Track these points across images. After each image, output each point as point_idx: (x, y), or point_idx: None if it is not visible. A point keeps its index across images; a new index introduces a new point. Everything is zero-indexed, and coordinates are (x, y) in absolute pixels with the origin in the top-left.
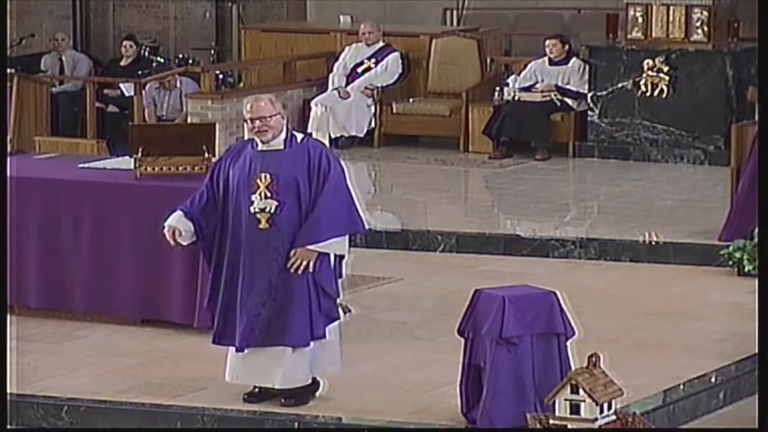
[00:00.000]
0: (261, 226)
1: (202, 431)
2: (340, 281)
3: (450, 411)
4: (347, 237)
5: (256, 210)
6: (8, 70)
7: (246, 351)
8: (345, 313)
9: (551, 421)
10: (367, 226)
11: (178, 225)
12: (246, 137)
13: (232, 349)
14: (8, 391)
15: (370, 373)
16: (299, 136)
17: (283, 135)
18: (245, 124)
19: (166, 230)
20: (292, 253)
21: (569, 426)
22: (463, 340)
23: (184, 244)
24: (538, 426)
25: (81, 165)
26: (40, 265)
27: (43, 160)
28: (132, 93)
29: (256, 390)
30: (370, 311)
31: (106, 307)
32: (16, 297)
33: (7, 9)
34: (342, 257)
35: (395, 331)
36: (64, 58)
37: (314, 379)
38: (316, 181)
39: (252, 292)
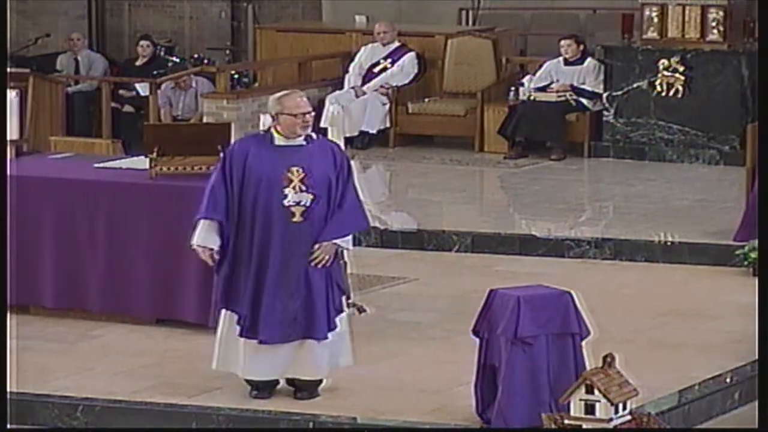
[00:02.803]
0: (295, 219)
1: (217, 431)
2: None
3: (465, 411)
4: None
5: (291, 203)
6: (24, 70)
7: (267, 345)
8: (360, 312)
9: (566, 422)
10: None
11: (209, 244)
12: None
13: (244, 345)
14: (8, 390)
15: (385, 373)
16: (313, 134)
17: (308, 131)
18: (280, 118)
19: (201, 252)
20: (316, 246)
21: (584, 426)
22: (478, 340)
23: (217, 257)
24: (553, 426)
25: (96, 165)
26: (56, 265)
27: (58, 160)
28: (147, 93)
29: (261, 384)
30: (385, 311)
31: (121, 306)
32: (31, 297)
33: (7, 9)
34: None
35: (410, 331)
36: (79, 58)
37: None
38: (342, 177)
39: (282, 286)
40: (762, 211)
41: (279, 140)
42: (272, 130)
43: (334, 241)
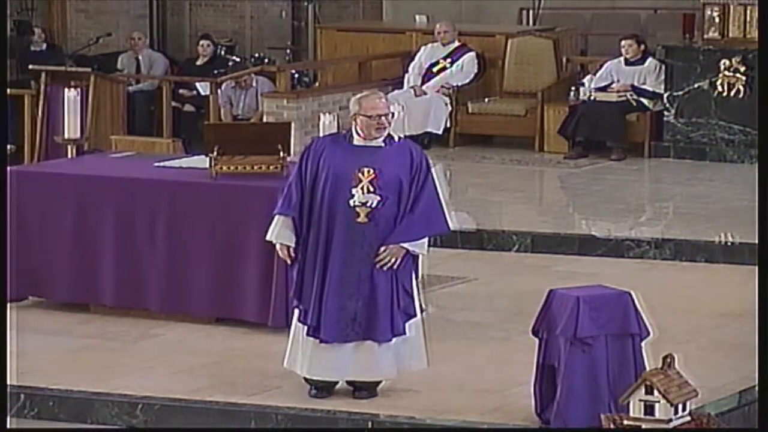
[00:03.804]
0: (360, 219)
1: (276, 431)
2: (418, 280)
3: (524, 411)
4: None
5: (357, 203)
6: (85, 69)
7: (328, 345)
8: (421, 312)
9: (625, 422)
10: (451, 227)
11: (285, 241)
12: (324, 133)
13: (308, 344)
14: (8, 391)
15: (444, 373)
16: (395, 135)
17: (384, 133)
18: (358, 119)
19: (278, 249)
20: (383, 249)
21: (643, 427)
22: (537, 341)
23: (293, 254)
24: (612, 427)
25: (157, 164)
26: (116, 264)
27: (119, 159)
28: (208, 92)
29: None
30: (444, 311)
31: (181, 305)
32: (92, 295)
33: (7, 9)
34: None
35: (469, 331)
36: (140, 58)
37: None
38: (416, 181)
39: (342, 285)
40: (762, 210)
41: (357, 140)
42: (352, 129)
43: (403, 244)
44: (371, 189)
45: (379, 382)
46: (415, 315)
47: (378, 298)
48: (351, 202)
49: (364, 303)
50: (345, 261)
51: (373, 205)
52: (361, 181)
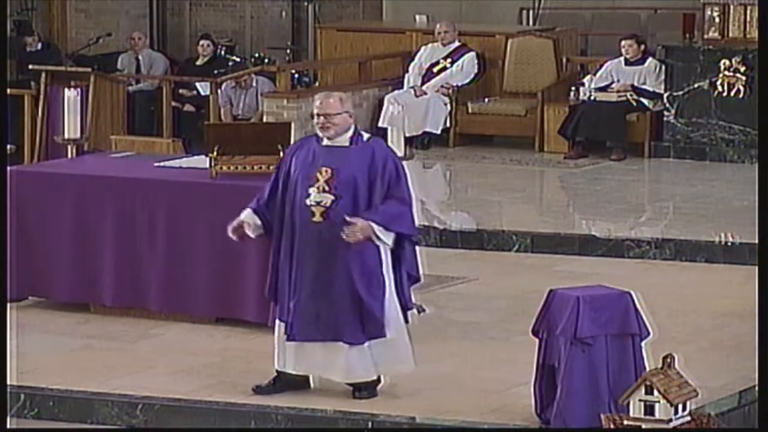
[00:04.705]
0: (315, 219)
1: (275, 431)
2: (404, 283)
3: (524, 411)
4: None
5: (312, 203)
6: (85, 69)
7: (298, 342)
8: (420, 312)
9: (625, 422)
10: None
11: (248, 218)
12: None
13: (284, 340)
14: (8, 391)
15: (443, 373)
16: (366, 135)
17: (349, 133)
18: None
19: (232, 226)
20: (354, 219)
21: (643, 427)
22: (537, 341)
23: (252, 235)
24: (612, 427)
25: (157, 164)
26: (116, 264)
27: (119, 159)
28: (208, 92)
29: (273, 379)
30: (444, 311)
31: (180, 305)
32: (92, 295)
33: (7, 9)
34: (414, 278)
35: (469, 330)
36: (140, 57)
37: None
38: (379, 182)
39: (301, 284)
40: (762, 210)
41: (325, 141)
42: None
43: (372, 224)
44: (326, 188)
45: (377, 382)
46: (383, 317)
47: (340, 298)
48: (307, 201)
49: (327, 303)
50: (305, 260)
51: (327, 205)
52: (318, 180)
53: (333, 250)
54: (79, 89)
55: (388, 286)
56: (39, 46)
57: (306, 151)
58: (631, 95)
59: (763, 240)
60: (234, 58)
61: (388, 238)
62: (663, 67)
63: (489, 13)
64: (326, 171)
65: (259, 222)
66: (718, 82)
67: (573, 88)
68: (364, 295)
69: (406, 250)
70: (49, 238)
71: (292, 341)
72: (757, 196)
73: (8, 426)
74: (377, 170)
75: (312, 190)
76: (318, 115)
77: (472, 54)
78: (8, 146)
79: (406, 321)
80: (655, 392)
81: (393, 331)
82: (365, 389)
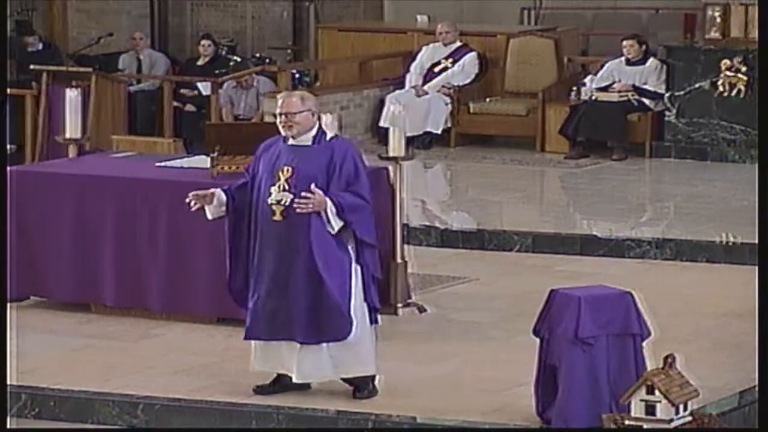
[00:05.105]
0: (275, 217)
1: (276, 431)
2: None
3: (525, 411)
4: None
5: (273, 201)
6: (86, 69)
7: (263, 341)
8: (420, 312)
9: (626, 422)
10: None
11: (217, 193)
12: None
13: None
14: (8, 390)
15: (444, 373)
16: (329, 134)
17: (312, 132)
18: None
19: (199, 192)
20: (315, 190)
21: (645, 427)
22: (538, 340)
23: (210, 213)
24: (613, 426)
25: (158, 164)
26: (117, 264)
27: (120, 159)
28: (209, 92)
29: (274, 380)
30: (445, 311)
31: (181, 305)
32: (92, 295)
33: (7, 9)
34: (378, 279)
35: (470, 330)
36: (141, 57)
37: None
38: (337, 180)
39: (260, 282)
40: (762, 210)
41: (290, 140)
42: None
43: (329, 203)
44: (286, 187)
45: (373, 379)
46: (344, 319)
47: (297, 297)
48: (269, 200)
49: (284, 302)
50: (262, 259)
51: (286, 203)
52: (279, 179)
53: (292, 249)
54: (80, 89)
55: (354, 286)
56: (40, 46)
57: (272, 150)
58: (632, 95)
59: (763, 240)
60: (235, 58)
61: (336, 223)
62: (664, 67)
63: (490, 13)
64: (287, 170)
65: (224, 200)
66: (720, 82)
67: (574, 88)
68: (324, 296)
69: (366, 253)
70: (50, 238)
71: (248, 339)
72: (757, 196)
73: (8, 426)
74: (335, 169)
75: (273, 189)
76: (280, 114)
77: (473, 54)
78: (9, 146)
79: (374, 322)
80: (657, 392)
81: (357, 332)
82: (363, 388)
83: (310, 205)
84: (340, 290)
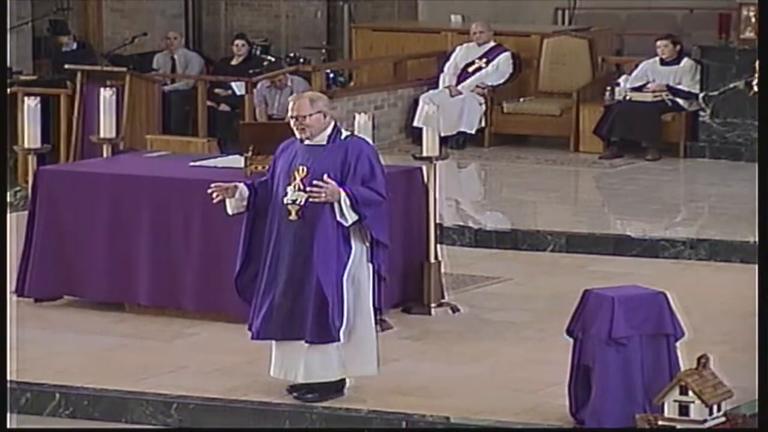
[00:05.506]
0: (291, 217)
1: (310, 431)
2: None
3: (558, 411)
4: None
5: (289, 201)
6: (121, 69)
7: (276, 343)
8: (454, 312)
9: (660, 422)
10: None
11: (240, 188)
12: (359, 133)
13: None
14: (8, 386)
15: (478, 373)
16: (345, 133)
17: (327, 132)
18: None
19: (222, 184)
20: (329, 181)
21: (678, 427)
22: (572, 341)
23: (230, 208)
24: (647, 427)
25: (192, 163)
26: (151, 263)
27: (154, 158)
28: (243, 92)
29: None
30: (479, 311)
31: (215, 304)
32: (127, 294)
33: (7, 9)
34: (384, 278)
35: (504, 330)
36: (176, 57)
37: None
38: (352, 178)
39: (274, 282)
40: (762, 211)
41: (306, 140)
42: None
43: (342, 194)
44: (301, 187)
45: (333, 388)
46: (340, 321)
47: (312, 297)
48: (285, 200)
49: (298, 302)
50: (278, 258)
51: (302, 203)
52: (295, 178)
53: (307, 249)
54: (114, 89)
55: (364, 284)
56: (74, 45)
57: (290, 151)
58: (666, 95)
59: (763, 240)
60: (269, 57)
61: (351, 216)
62: (698, 67)
63: (524, 13)
64: (302, 169)
65: (246, 194)
66: (754, 82)
67: (608, 88)
68: (329, 296)
69: (379, 253)
70: (84, 237)
71: (259, 340)
72: (758, 196)
73: (8, 426)
74: (349, 168)
75: (289, 189)
76: (292, 117)
77: (508, 54)
78: (44, 145)
79: (377, 322)
80: (690, 392)
81: (365, 331)
82: (315, 391)
83: (323, 194)
84: (331, 291)
